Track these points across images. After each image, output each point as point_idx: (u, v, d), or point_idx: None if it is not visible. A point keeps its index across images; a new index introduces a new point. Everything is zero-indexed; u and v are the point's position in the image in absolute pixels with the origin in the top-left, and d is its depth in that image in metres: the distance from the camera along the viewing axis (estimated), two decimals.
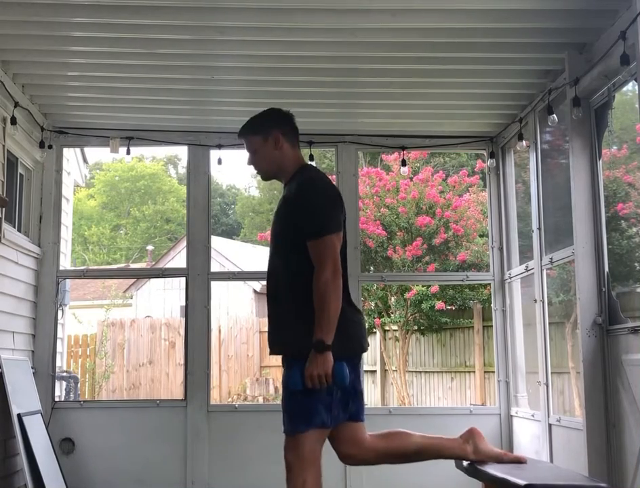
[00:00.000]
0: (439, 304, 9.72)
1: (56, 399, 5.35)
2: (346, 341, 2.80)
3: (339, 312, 2.74)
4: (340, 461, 3.00)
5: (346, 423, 2.90)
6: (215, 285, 5.55)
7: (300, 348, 2.75)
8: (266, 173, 3.12)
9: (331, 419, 2.78)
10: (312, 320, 2.73)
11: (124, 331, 13.25)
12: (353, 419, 2.92)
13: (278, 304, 2.93)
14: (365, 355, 3.07)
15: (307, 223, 2.81)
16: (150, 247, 24.07)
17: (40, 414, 4.84)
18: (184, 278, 5.51)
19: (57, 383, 5.68)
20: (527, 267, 5.05)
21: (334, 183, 2.97)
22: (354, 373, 2.86)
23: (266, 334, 3.02)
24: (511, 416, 5.36)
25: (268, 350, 3.05)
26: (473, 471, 3.04)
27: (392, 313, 10.33)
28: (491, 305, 5.70)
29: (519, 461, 3.09)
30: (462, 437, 3.08)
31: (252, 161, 3.09)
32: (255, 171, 3.15)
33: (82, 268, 14.76)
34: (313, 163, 5.57)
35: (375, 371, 11.53)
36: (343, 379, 2.76)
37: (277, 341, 2.93)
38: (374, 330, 10.93)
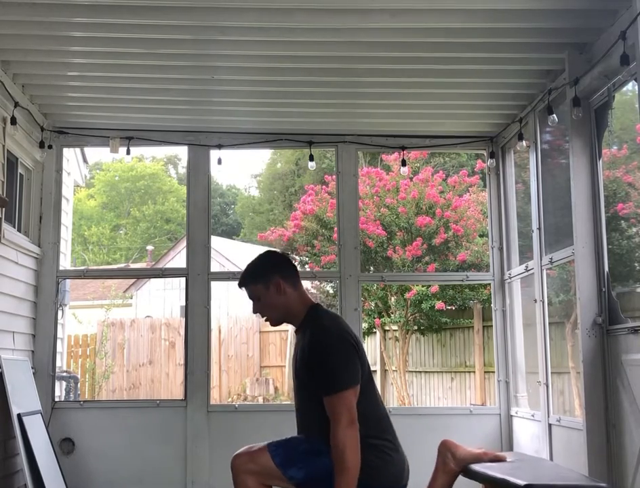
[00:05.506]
0: (439, 304, 9.72)
1: (56, 399, 5.35)
2: None
3: (359, 466, 2.67)
4: None
5: None
6: (215, 285, 5.54)
7: None
8: (274, 320, 3.05)
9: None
10: None
11: (124, 331, 13.26)
12: None
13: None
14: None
15: (321, 380, 2.76)
16: (150, 247, 24.07)
17: (40, 414, 4.84)
18: (184, 278, 5.51)
19: (57, 383, 5.68)
20: (527, 267, 5.05)
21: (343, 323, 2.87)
22: None
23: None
24: (511, 416, 5.36)
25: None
26: (473, 473, 3.04)
27: (392, 313, 10.33)
28: (491, 305, 5.69)
29: (499, 459, 3.12)
30: (439, 457, 3.09)
31: (257, 309, 3.01)
32: (264, 319, 3.08)
33: (82, 268, 14.75)
34: (313, 164, 5.59)
35: (375, 371, 11.51)
36: None
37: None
38: (374, 330, 10.94)
